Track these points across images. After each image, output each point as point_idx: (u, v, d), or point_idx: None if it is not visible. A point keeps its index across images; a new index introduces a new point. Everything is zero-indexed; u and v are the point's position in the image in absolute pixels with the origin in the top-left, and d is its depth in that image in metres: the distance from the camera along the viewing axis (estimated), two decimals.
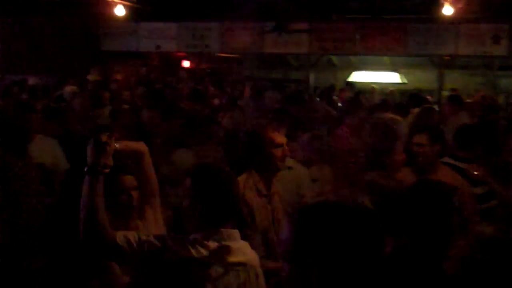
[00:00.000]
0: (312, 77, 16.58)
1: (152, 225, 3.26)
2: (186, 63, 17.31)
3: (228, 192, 2.69)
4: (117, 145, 2.69)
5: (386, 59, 16.33)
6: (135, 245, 2.52)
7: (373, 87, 13.95)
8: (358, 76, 16.83)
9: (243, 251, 2.71)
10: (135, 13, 13.30)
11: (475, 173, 4.43)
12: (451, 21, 13.56)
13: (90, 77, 12.55)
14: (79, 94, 9.34)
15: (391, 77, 16.89)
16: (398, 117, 4.16)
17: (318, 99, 11.12)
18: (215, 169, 2.81)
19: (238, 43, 15.20)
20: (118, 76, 13.04)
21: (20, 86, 11.09)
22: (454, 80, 15.04)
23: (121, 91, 10.62)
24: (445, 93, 12.72)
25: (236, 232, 2.71)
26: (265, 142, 3.53)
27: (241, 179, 3.50)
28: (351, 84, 15.13)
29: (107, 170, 2.59)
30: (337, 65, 17.52)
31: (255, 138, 3.60)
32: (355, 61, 17.01)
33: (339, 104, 11.10)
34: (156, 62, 16.21)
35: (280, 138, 3.60)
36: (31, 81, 12.47)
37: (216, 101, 9.95)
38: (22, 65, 14.32)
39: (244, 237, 2.86)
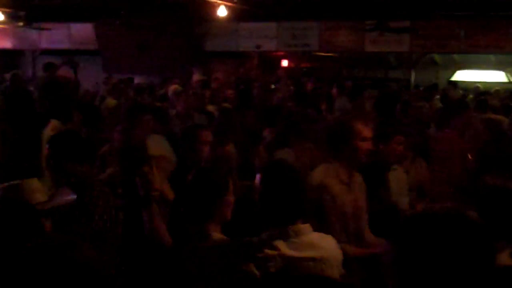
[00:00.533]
0: (413, 76, 16.23)
1: None
2: (285, 63, 17.44)
3: (297, 190, 2.74)
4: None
5: (491, 57, 15.71)
6: None
7: (478, 86, 13.45)
8: (461, 75, 16.30)
9: (315, 244, 2.72)
10: (235, 13, 13.54)
11: None
12: None
13: (195, 77, 12.91)
14: (182, 93, 9.64)
15: (496, 76, 16.23)
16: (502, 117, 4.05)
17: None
18: (284, 167, 2.87)
19: (337, 42, 15.15)
20: (219, 75, 13.32)
21: (126, 84, 11.60)
22: None
23: (222, 90, 10.86)
24: None
25: (305, 227, 2.74)
26: (351, 134, 3.53)
27: (322, 168, 3.58)
28: (454, 83, 14.66)
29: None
30: (439, 63, 17.04)
31: (342, 128, 3.60)
32: (458, 59, 16.48)
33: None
34: (256, 62, 16.43)
35: (367, 131, 3.59)
36: (137, 80, 13.01)
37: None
38: (128, 65, 14.96)
39: (321, 226, 2.90)
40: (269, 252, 2.61)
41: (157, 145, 4.94)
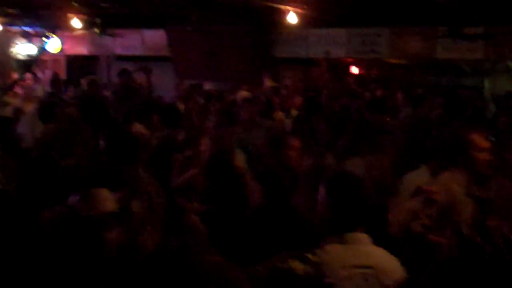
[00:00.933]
0: (487, 84, 15.80)
1: None
2: (354, 69, 17.31)
3: (358, 200, 2.74)
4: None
5: None
6: None
7: None
8: None
9: (371, 254, 2.73)
10: (305, 20, 13.56)
11: None
12: None
13: (266, 84, 13.02)
14: (252, 99, 9.74)
15: None
16: None
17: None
18: (348, 177, 2.88)
19: (408, 48, 14.91)
20: (288, 82, 13.39)
21: (196, 89, 11.81)
22: None
23: (291, 97, 10.92)
24: None
25: (364, 237, 2.76)
26: (469, 145, 3.51)
27: (447, 175, 3.60)
28: None
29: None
30: None
31: (459, 140, 3.58)
32: None
33: None
34: (324, 68, 16.39)
35: (484, 142, 3.56)
36: (207, 86, 13.22)
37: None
38: (199, 71, 15.21)
39: None
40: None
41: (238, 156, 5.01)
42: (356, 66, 17.34)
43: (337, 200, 2.76)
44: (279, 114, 8.97)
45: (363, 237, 2.75)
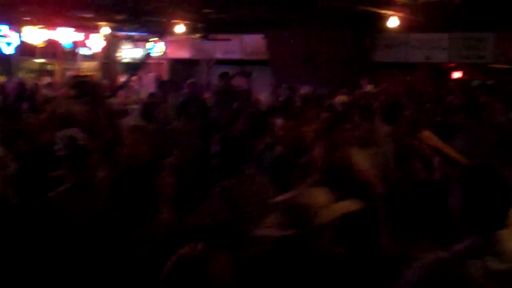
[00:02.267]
0: None
1: None
2: (456, 74, 16.82)
3: (506, 194, 2.48)
4: None
5: None
6: None
7: None
8: None
9: None
10: (406, 24, 13.36)
11: None
12: None
13: (364, 88, 12.92)
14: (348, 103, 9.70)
15: None
16: None
17: None
18: (491, 170, 2.57)
19: None
20: (387, 87, 13.19)
21: (291, 91, 11.83)
22: None
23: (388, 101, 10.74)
24: None
25: (508, 232, 2.47)
26: None
27: None
28: None
29: None
30: None
31: None
32: None
33: None
34: (424, 73, 16.05)
35: None
36: (303, 90, 13.24)
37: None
38: (296, 75, 15.30)
39: None
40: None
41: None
42: (459, 71, 16.83)
43: (478, 193, 2.50)
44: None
45: (507, 233, 2.46)
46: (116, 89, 13.19)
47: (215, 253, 2.21)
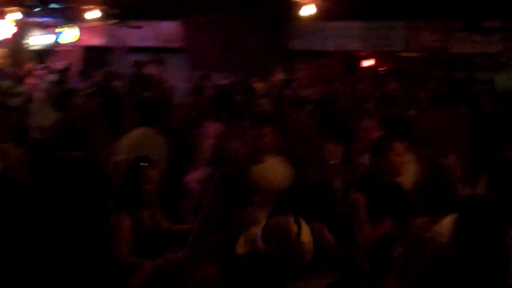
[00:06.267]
0: (500, 79, 15.64)
1: None
2: (367, 63, 17.21)
3: None
4: None
5: None
6: None
7: None
8: None
9: None
10: (320, 12, 13.52)
11: None
12: None
13: (276, 76, 12.99)
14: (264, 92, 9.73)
15: None
16: None
17: None
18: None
19: (423, 42, 14.81)
20: (301, 75, 13.35)
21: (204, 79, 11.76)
22: None
23: (303, 89, 10.88)
24: None
25: None
26: None
27: None
28: None
29: None
30: None
31: None
32: None
33: None
34: (337, 61, 16.32)
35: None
36: (217, 78, 13.18)
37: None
38: (212, 63, 15.20)
39: None
40: None
41: None
42: (370, 60, 17.23)
43: None
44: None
45: None
46: (23, 76, 12.69)
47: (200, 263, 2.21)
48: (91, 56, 18.74)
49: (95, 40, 18.72)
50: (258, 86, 10.98)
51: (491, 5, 12.92)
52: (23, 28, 17.41)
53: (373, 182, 3.94)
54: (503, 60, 15.25)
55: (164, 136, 6.02)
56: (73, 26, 16.44)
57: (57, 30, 16.09)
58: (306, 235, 2.66)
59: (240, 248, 2.68)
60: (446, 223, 2.87)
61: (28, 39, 18.01)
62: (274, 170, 4.32)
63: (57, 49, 16.83)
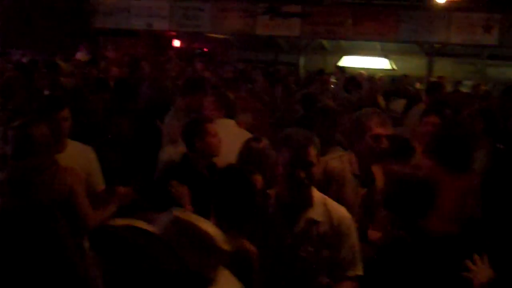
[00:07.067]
0: (302, 61, 16.54)
1: None
2: (176, 43, 17.20)
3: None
4: None
5: (377, 44, 16.31)
6: None
7: (361, 73, 13.93)
8: (348, 61, 16.80)
9: None
10: None
11: None
12: (443, 9, 13.57)
13: (79, 55, 12.44)
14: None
15: (381, 63, 16.88)
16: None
17: None
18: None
19: (229, 24, 15.14)
20: (108, 54, 12.92)
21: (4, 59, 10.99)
22: (443, 68, 15.07)
23: (111, 69, 10.51)
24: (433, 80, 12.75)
25: None
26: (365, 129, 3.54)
27: (337, 155, 3.72)
28: (341, 68, 15.11)
29: None
30: (328, 49, 17.48)
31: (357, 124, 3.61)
32: (346, 45, 16.97)
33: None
34: (147, 41, 16.11)
35: (380, 129, 3.58)
36: (17, 55, 12.31)
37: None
38: (15, 40, 14.19)
39: None
40: None
41: None
42: (179, 40, 17.24)
43: None
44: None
45: None
46: None
47: None
48: None
49: None
50: (62, 65, 10.40)
51: None
52: None
53: (191, 168, 3.88)
54: (305, 43, 16.15)
55: None
56: None
57: None
58: None
59: None
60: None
61: None
62: (73, 157, 3.97)
63: None
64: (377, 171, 3.54)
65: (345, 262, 2.85)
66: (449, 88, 11.44)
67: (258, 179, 3.02)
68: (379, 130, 3.49)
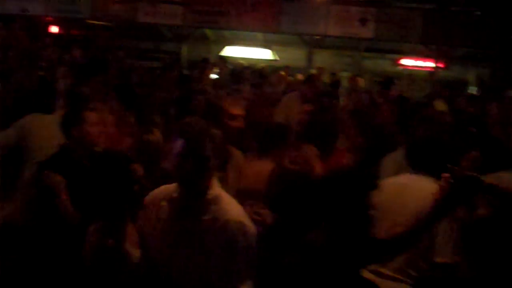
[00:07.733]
0: (185, 50, 16.44)
1: None
2: (54, 29, 16.47)
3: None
4: None
5: (259, 35, 16.53)
6: None
7: (241, 63, 14.07)
8: (230, 51, 16.90)
9: None
10: None
11: None
12: (322, 2, 13.99)
13: None
14: None
15: (263, 54, 17.13)
16: None
17: None
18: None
19: (110, 10, 14.76)
20: None
21: None
22: (323, 59, 15.55)
23: None
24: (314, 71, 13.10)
25: None
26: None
27: None
28: (224, 58, 15.17)
29: None
30: (211, 38, 17.48)
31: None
32: (229, 35, 17.06)
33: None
34: (21, 26, 15.31)
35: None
36: None
37: None
38: None
39: None
40: None
41: None
42: (56, 26, 16.52)
43: None
44: None
45: None
46: None
47: None
48: None
49: None
50: None
51: None
52: None
53: (68, 157, 3.75)
54: (187, 32, 16.06)
55: None
56: None
57: None
58: None
59: None
60: None
61: None
62: None
63: None
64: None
65: (233, 272, 2.58)
66: (326, 79, 11.90)
67: (137, 167, 2.97)
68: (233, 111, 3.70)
